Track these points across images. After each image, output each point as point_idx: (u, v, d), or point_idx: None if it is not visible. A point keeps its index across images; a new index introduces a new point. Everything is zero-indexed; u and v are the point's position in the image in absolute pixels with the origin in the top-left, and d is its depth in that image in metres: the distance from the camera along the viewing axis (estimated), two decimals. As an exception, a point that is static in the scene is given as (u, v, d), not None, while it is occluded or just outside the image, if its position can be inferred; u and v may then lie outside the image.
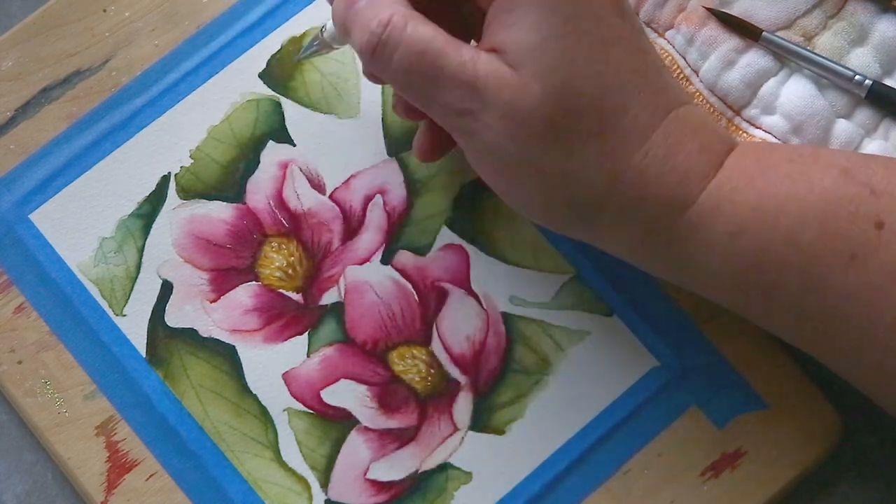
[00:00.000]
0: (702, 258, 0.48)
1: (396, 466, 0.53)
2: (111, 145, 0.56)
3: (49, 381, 0.53)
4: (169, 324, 0.54)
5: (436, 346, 0.54)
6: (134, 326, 0.54)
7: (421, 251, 0.55)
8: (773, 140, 0.56)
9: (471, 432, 0.53)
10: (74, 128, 0.56)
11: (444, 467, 0.53)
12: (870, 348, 0.47)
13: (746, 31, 0.56)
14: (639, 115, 0.47)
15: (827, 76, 0.56)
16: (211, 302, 0.54)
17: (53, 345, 0.54)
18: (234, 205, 0.56)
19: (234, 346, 0.54)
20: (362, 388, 0.53)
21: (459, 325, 0.54)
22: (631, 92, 0.47)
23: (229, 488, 0.52)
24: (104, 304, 0.54)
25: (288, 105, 0.57)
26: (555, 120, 0.47)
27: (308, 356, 0.54)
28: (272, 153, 0.56)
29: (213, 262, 0.55)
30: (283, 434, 0.53)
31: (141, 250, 0.55)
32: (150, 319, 0.54)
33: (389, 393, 0.53)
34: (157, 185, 0.56)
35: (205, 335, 0.54)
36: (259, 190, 0.56)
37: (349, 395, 0.53)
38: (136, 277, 0.55)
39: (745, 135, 0.56)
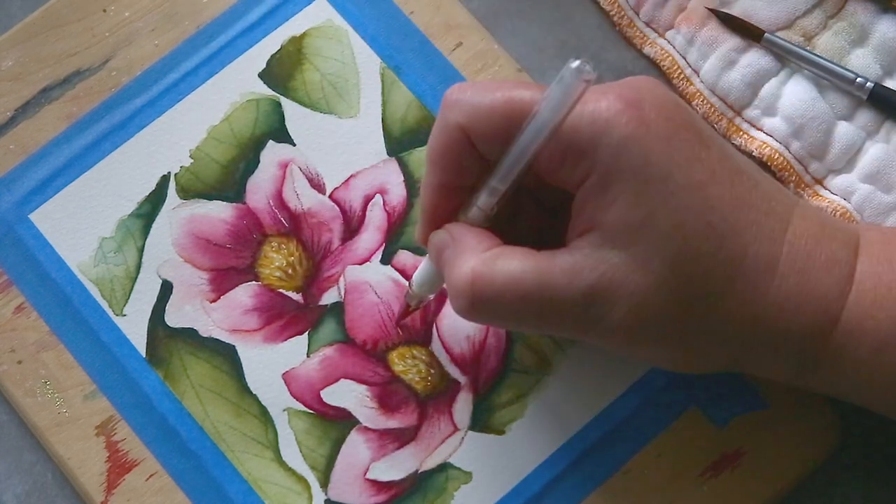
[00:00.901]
0: (850, 375, 0.47)
1: (396, 466, 0.53)
2: (111, 145, 0.56)
3: (49, 381, 0.53)
4: (169, 324, 0.54)
5: (436, 346, 0.54)
6: (134, 326, 0.54)
7: (421, 251, 0.55)
8: (775, 144, 0.56)
9: (471, 432, 0.53)
10: (74, 128, 0.56)
11: (443, 467, 0.53)
12: None
13: (748, 33, 0.56)
14: (759, 251, 0.46)
15: (828, 78, 0.56)
16: (211, 302, 0.54)
17: (53, 345, 0.54)
18: (234, 204, 0.56)
19: (234, 346, 0.54)
20: (362, 388, 0.53)
21: (459, 325, 0.54)
22: (744, 229, 0.46)
23: (229, 488, 0.52)
24: (104, 304, 0.54)
25: (288, 105, 0.57)
26: (681, 291, 0.45)
27: (308, 356, 0.54)
28: (272, 153, 0.56)
29: (212, 261, 0.55)
30: (283, 434, 0.53)
31: (141, 250, 0.55)
32: (150, 319, 0.54)
33: (389, 393, 0.53)
34: (157, 184, 0.56)
35: (205, 335, 0.54)
36: (259, 190, 0.56)
37: (349, 395, 0.53)
38: (136, 277, 0.55)
39: (746, 136, 0.56)
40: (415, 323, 0.54)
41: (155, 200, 0.56)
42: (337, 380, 0.54)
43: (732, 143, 0.57)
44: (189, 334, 0.54)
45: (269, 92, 0.57)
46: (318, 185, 0.56)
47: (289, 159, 0.56)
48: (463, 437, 0.53)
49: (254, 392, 0.53)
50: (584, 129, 0.45)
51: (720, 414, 0.53)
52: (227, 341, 0.54)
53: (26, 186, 0.56)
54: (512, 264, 0.46)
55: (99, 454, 0.52)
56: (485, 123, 0.46)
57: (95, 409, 0.53)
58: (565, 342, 0.54)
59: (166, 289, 0.55)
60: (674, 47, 0.57)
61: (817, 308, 0.46)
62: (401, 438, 0.53)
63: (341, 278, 0.55)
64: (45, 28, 0.57)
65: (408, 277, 0.55)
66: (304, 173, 0.56)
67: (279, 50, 0.57)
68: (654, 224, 0.45)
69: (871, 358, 0.46)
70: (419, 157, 0.56)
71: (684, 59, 0.57)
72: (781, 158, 0.56)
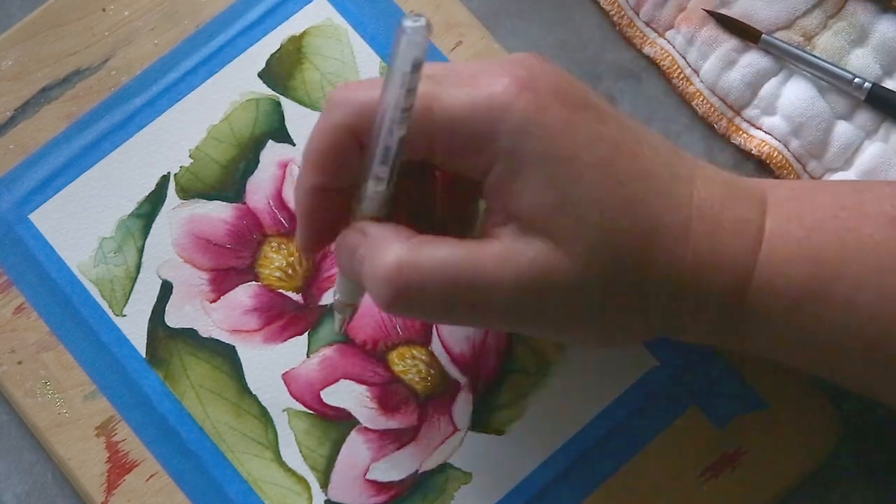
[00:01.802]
0: (767, 333, 0.47)
1: (396, 467, 0.53)
2: (111, 145, 0.56)
3: (49, 381, 0.53)
4: (169, 324, 0.54)
5: (436, 346, 0.54)
6: (134, 327, 0.54)
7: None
8: (773, 142, 0.56)
9: (470, 432, 0.53)
10: (74, 128, 0.56)
11: (443, 467, 0.53)
12: None
13: (746, 34, 0.56)
14: (670, 219, 0.46)
15: (827, 79, 0.56)
16: (211, 302, 0.54)
17: (53, 345, 0.54)
18: (234, 204, 0.56)
19: (233, 347, 0.54)
20: (362, 389, 0.53)
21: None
22: (653, 199, 0.46)
23: (229, 488, 0.52)
24: (104, 305, 0.54)
25: (288, 104, 0.57)
26: (606, 269, 0.45)
27: (308, 356, 0.54)
28: (272, 153, 0.56)
29: (212, 262, 0.55)
30: (283, 434, 0.53)
31: (141, 250, 0.55)
32: (150, 320, 0.54)
33: (389, 393, 0.53)
34: (157, 184, 0.56)
35: (205, 335, 0.54)
36: (259, 190, 0.56)
37: (349, 396, 0.53)
38: (136, 277, 0.55)
39: (745, 135, 0.56)
40: (415, 323, 0.54)
41: (155, 200, 0.56)
42: (337, 380, 0.54)
43: (732, 143, 0.57)
44: (189, 334, 0.54)
45: (268, 91, 0.57)
46: (317, 185, 0.56)
47: (289, 159, 0.56)
48: (463, 438, 0.53)
49: (254, 392, 0.53)
50: (481, 116, 0.45)
51: (720, 414, 0.53)
52: (227, 342, 0.54)
53: (26, 186, 0.56)
54: (440, 250, 0.45)
55: (99, 454, 0.53)
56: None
57: (95, 410, 0.53)
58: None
59: (166, 289, 0.55)
60: (674, 47, 0.57)
61: (731, 269, 0.46)
62: (401, 439, 0.53)
63: (341, 278, 0.55)
64: (45, 28, 0.57)
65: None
66: (303, 173, 0.56)
67: (279, 49, 0.57)
68: (569, 205, 0.44)
69: (785, 314, 0.46)
70: (419, 157, 0.56)
71: (684, 58, 0.57)
72: (780, 157, 0.56)
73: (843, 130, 0.56)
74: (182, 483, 0.52)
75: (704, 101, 0.57)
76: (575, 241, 0.45)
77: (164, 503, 0.52)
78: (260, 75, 0.57)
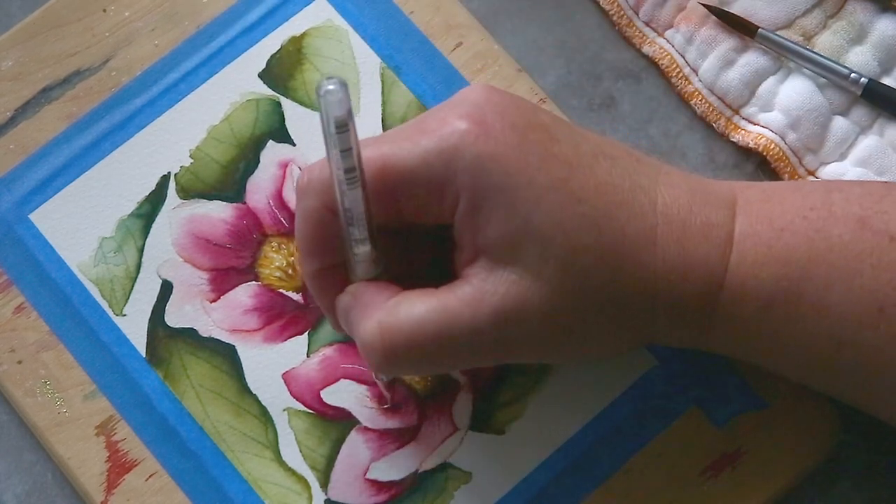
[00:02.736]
0: (740, 335, 0.48)
1: (396, 466, 0.53)
2: (111, 145, 0.56)
3: (49, 381, 0.53)
4: (169, 324, 0.54)
5: (436, 345, 0.54)
6: (134, 326, 0.54)
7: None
8: (771, 135, 0.56)
9: (470, 432, 0.53)
10: (74, 128, 0.56)
11: (443, 467, 0.53)
12: None
13: (743, 28, 0.56)
14: (635, 228, 0.46)
15: (824, 74, 0.56)
16: (211, 302, 0.54)
17: (53, 345, 0.54)
18: (234, 204, 0.56)
19: (233, 346, 0.54)
20: (362, 388, 0.53)
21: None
22: (615, 211, 0.46)
23: (229, 488, 0.52)
24: (104, 304, 0.54)
25: (288, 105, 0.57)
26: (577, 288, 0.45)
27: (308, 356, 0.54)
28: (272, 153, 0.56)
29: (212, 261, 0.55)
30: (283, 434, 0.53)
31: (141, 250, 0.55)
32: (149, 319, 0.54)
33: (389, 393, 0.53)
34: (157, 184, 0.56)
35: (205, 335, 0.54)
36: (259, 190, 0.56)
37: (349, 395, 0.53)
38: (136, 277, 0.55)
39: (742, 132, 0.56)
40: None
41: (155, 200, 0.56)
42: (337, 380, 0.54)
43: (730, 140, 0.57)
44: (189, 334, 0.54)
45: (268, 92, 0.57)
46: (317, 185, 0.56)
47: (289, 159, 0.56)
48: (463, 437, 0.53)
49: (254, 392, 0.53)
50: (434, 162, 0.45)
51: (720, 414, 0.53)
52: (227, 341, 0.54)
53: (26, 186, 0.56)
54: (415, 308, 0.46)
55: (99, 454, 0.52)
56: None
57: (95, 409, 0.53)
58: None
59: (166, 289, 0.55)
60: (673, 46, 0.57)
61: (702, 273, 0.46)
62: (401, 438, 0.53)
63: (341, 278, 0.55)
64: (45, 28, 0.57)
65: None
66: (303, 173, 0.56)
67: (279, 50, 0.57)
68: (532, 231, 0.45)
69: (757, 317, 0.46)
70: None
71: (683, 58, 0.57)
72: (777, 149, 0.56)
73: (839, 125, 0.56)
74: (182, 482, 0.52)
75: (703, 101, 0.57)
76: (543, 266, 0.45)
77: (164, 503, 0.52)
78: (260, 76, 0.57)
